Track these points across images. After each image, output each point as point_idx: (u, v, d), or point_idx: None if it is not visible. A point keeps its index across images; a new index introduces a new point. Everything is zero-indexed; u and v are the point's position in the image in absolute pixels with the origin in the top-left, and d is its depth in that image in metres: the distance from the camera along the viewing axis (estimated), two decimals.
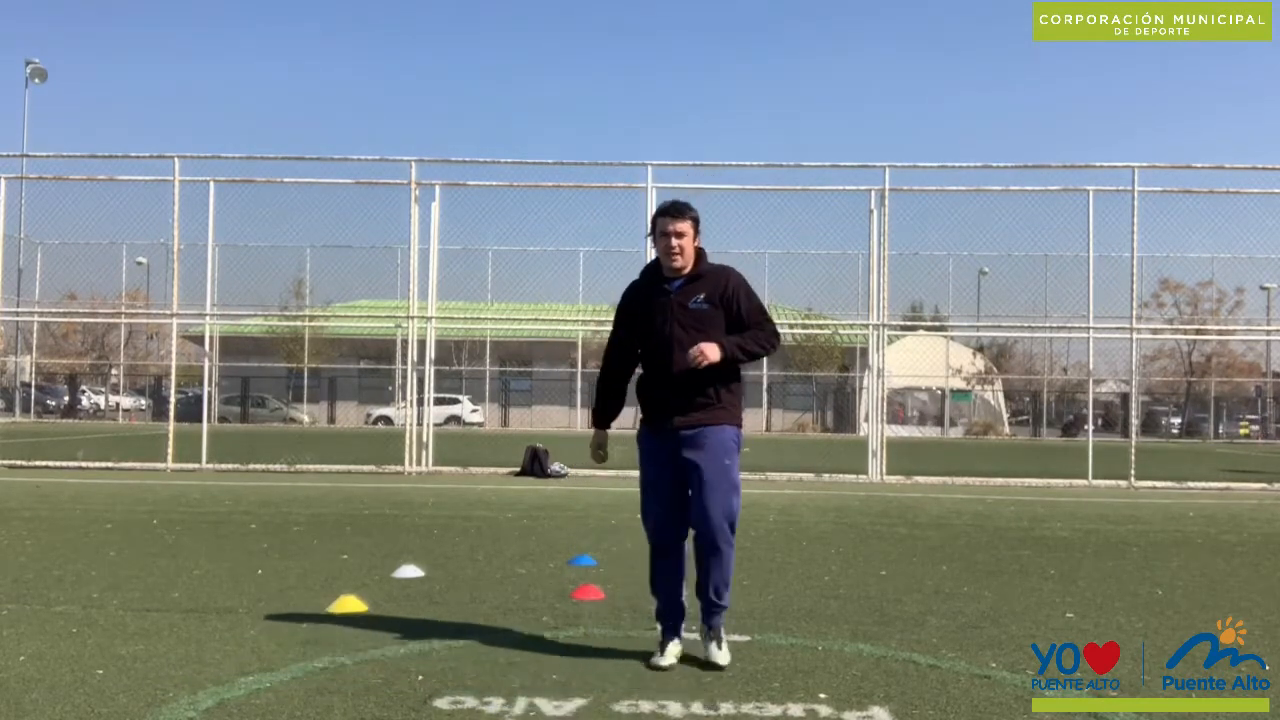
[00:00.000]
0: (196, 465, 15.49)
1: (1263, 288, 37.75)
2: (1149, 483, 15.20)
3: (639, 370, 4.81)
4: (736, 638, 4.88)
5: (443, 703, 3.93)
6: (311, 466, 15.83)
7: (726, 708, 3.92)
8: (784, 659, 4.64)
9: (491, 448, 20.92)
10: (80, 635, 4.91)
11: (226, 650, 4.66)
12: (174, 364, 18.57)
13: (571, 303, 36.80)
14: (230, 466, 15.62)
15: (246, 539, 8.24)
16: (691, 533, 4.63)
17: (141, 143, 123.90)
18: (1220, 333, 36.53)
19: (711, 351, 4.45)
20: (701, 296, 4.57)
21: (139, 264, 37.67)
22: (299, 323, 38.35)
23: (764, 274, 32.82)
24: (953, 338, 41.09)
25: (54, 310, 33.03)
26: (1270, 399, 43.86)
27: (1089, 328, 17.65)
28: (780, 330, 4.80)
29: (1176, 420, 43.72)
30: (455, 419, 38.59)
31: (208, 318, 20.85)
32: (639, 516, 4.73)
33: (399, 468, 15.70)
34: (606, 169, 20.64)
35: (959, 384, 41.53)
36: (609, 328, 5.07)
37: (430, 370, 16.65)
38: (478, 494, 12.40)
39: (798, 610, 5.70)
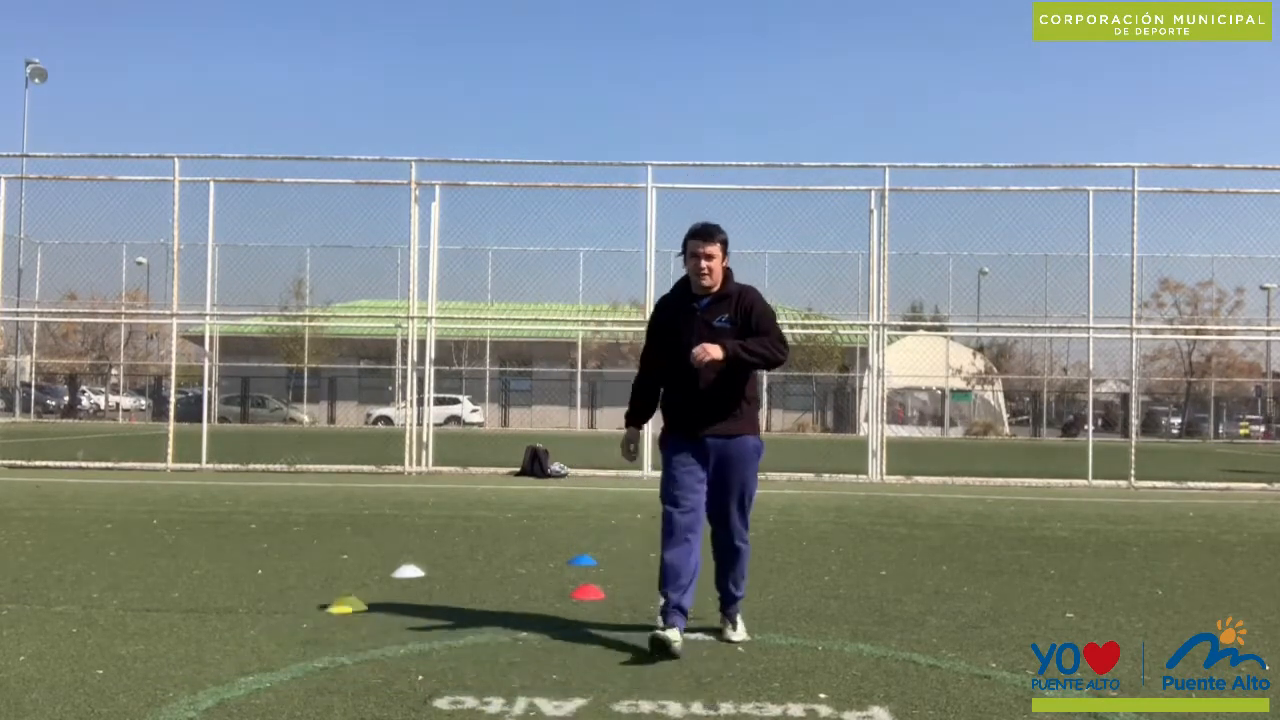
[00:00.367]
0: (196, 465, 15.49)
1: (1263, 288, 37.76)
2: (1149, 483, 15.20)
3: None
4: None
5: (443, 703, 3.93)
6: (311, 466, 15.83)
7: (726, 708, 3.92)
8: (784, 659, 4.65)
9: (491, 448, 20.92)
10: (80, 635, 4.91)
11: (226, 650, 4.66)
12: (174, 364, 18.57)
13: (571, 303, 36.78)
14: (230, 466, 15.63)
15: (246, 539, 8.24)
16: (708, 532, 4.96)
17: (141, 143, 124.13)
18: (1220, 333, 36.53)
19: (714, 350, 4.67)
20: (725, 316, 4.88)
21: (139, 264, 37.68)
22: (299, 323, 38.35)
23: (764, 274, 32.78)
24: (953, 338, 41.09)
25: (54, 310, 33.02)
26: (1270, 399, 43.87)
27: (1089, 328, 17.65)
28: (784, 334, 5.04)
29: (1176, 420, 43.72)
30: (455, 419, 38.59)
31: (208, 318, 20.85)
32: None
33: (399, 468, 15.70)
34: (606, 169, 20.67)
35: (959, 384, 41.54)
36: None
37: (430, 370, 16.65)
38: (478, 494, 12.41)
39: (798, 610, 5.70)
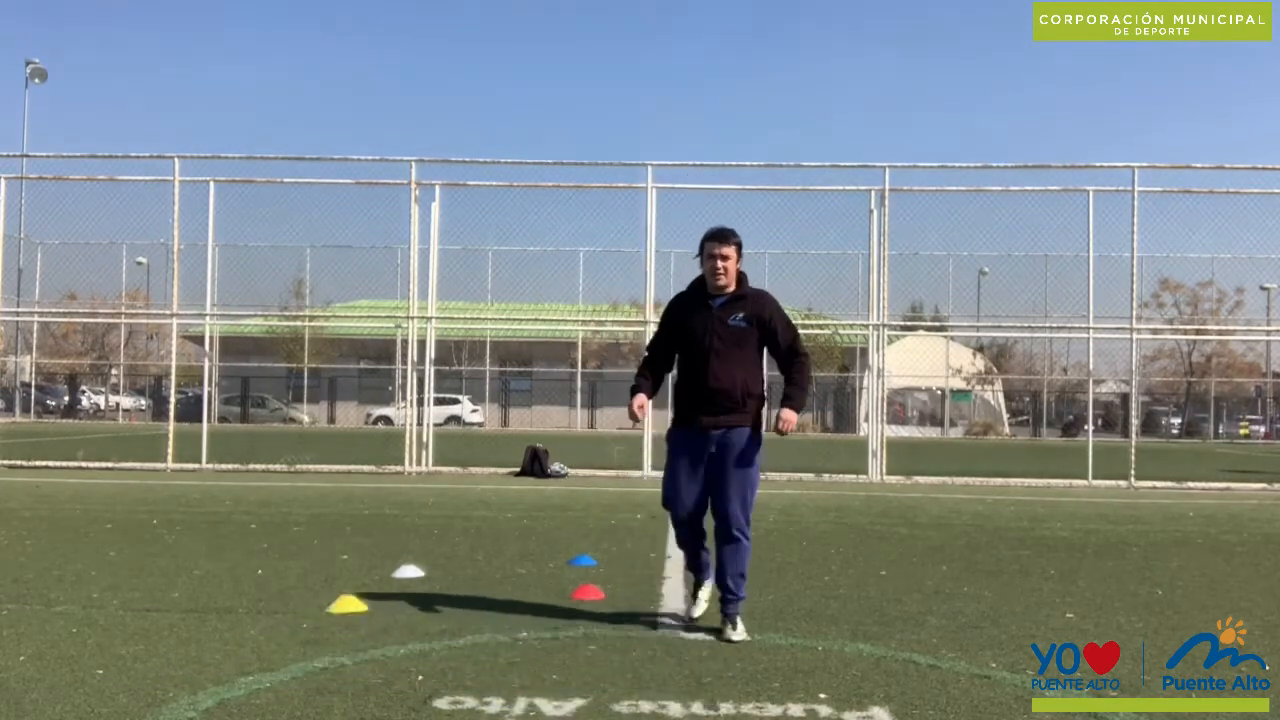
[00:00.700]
0: (196, 465, 15.49)
1: (1263, 288, 37.76)
2: (1149, 483, 15.20)
3: (673, 375, 5.37)
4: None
5: (443, 703, 3.93)
6: (311, 466, 15.83)
7: (726, 708, 3.92)
8: (784, 659, 4.65)
9: (491, 448, 20.91)
10: (80, 635, 4.91)
11: (226, 650, 4.66)
12: (174, 364, 18.55)
13: (571, 303, 36.76)
14: (230, 466, 15.63)
15: (246, 539, 8.24)
16: (711, 525, 5.17)
17: (141, 143, 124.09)
18: (1220, 333, 36.53)
19: (793, 417, 5.11)
20: (740, 315, 5.13)
21: (139, 264, 37.69)
22: (299, 323, 38.35)
23: (764, 274, 32.68)
24: (953, 338, 41.07)
25: (54, 310, 33.01)
26: (1270, 399, 43.86)
27: (1089, 328, 17.64)
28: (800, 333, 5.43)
29: (1176, 420, 43.73)
30: (455, 419, 38.59)
31: (208, 318, 20.83)
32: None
33: (399, 468, 15.70)
34: (606, 169, 20.65)
35: (959, 384, 41.52)
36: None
37: (430, 370, 16.65)
38: (478, 494, 12.40)
39: (798, 610, 5.70)
